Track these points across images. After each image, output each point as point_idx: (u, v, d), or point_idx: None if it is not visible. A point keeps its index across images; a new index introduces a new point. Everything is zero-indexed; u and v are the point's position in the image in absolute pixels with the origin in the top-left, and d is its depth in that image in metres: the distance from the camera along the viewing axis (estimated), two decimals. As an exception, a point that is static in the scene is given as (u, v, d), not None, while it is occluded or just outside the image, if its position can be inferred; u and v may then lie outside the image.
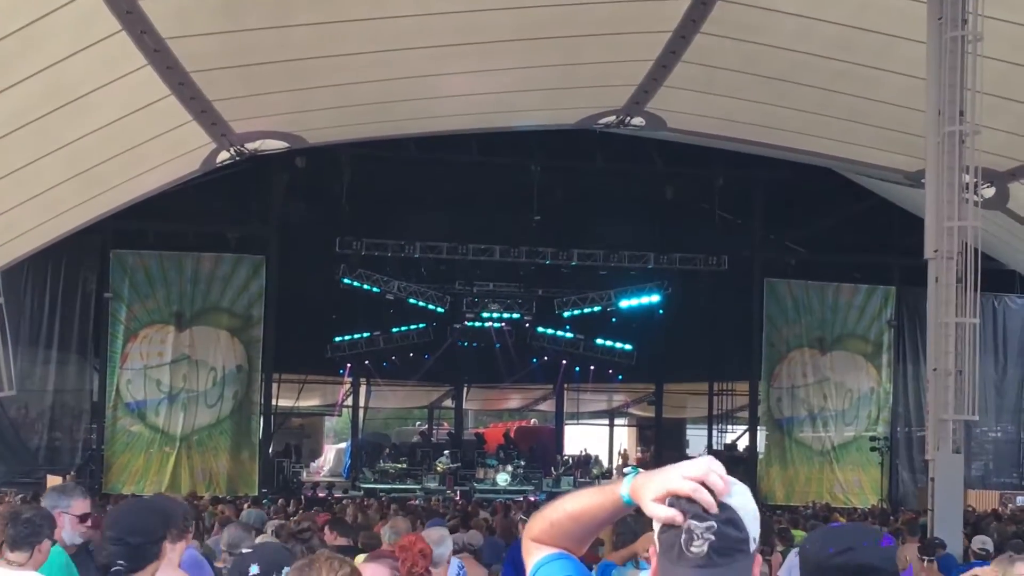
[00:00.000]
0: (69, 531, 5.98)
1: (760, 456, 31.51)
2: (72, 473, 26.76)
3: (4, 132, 14.04)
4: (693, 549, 2.32)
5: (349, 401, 38.29)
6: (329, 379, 37.24)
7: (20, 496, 20.01)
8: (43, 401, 28.36)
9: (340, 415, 40.91)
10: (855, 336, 31.90)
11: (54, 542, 5.56)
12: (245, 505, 17.90)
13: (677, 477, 2.39)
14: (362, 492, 29.50)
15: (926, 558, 11.61)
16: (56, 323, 28.31)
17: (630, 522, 7.50)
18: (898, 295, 31.48)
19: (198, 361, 28.85)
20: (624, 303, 34.67)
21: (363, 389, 37.55)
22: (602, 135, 24.87)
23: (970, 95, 13.86)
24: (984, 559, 10.79)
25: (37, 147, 15.67)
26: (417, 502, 24.29)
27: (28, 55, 13.23)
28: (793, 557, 9.75)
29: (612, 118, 22.19)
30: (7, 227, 17.41)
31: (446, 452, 33.70)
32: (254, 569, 4.30)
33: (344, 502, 23.00)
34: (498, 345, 35.44)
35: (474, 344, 35.63)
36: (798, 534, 12.54)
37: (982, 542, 11.91)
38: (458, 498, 26.60)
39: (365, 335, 34.56)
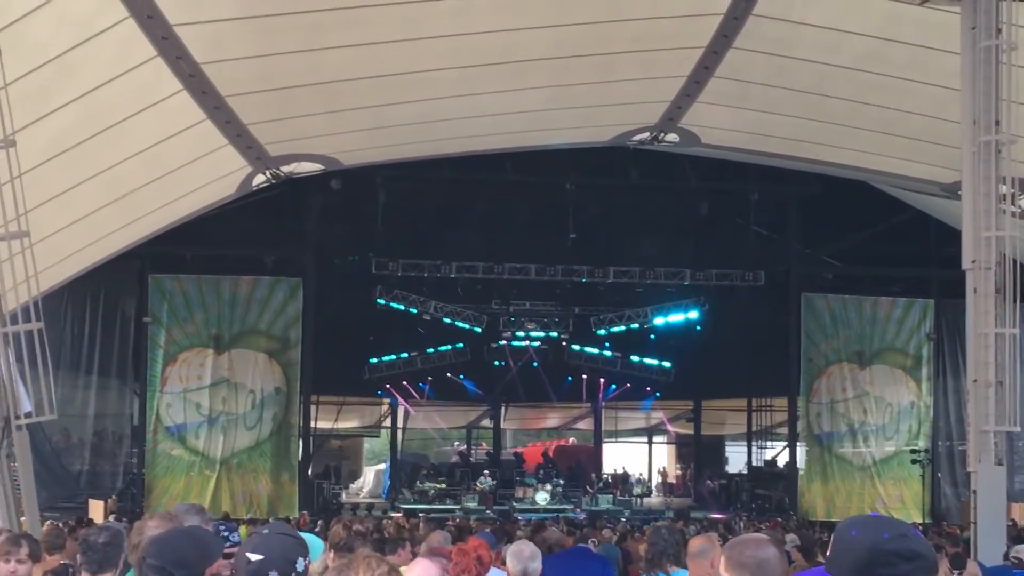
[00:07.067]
0: None
1: (800, 472, 31.32)
2: (114, 497, 26.93)
3: (45, 158, 14.19)
4: None
5: (387, 422, 38.29)
6: (367, 400, 37.27)
7: (64, 521, 20.17)
8: (84, 426, 28.55)
9: (379, 436, 40.87)
10: (894, 350, 31.68)
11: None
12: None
13: None
14: (402, 513, 29.47)
15: (956, 571, 11.50)
16: (96, 348, 28.50)
17: (664, 533, 7.49)
18: (937, 308, 31.25)
19: (237, 384, 29.00)
20: (660, 320, 34.55)
21: (401, 410, 37.54)
22: (636, 152, 24.90)
23: (1005, 105, 13.73)
24: (1021, 568, 10.67)
25: (76, 172, 15.85)
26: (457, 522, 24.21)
27: (67, 81, 13.40)
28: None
29: (646, 135, 22.21)
30: (48, 252, 17.58)
31: (485, 472, 33.64)
32: (255, 556, 3.93)
33: (384, 522, 23.00)
34: (535, 364, 35.38)
35: (511, 363, 35.57)
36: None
37: (1020, 551, 11.76)
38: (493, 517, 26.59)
39: (402, 356, 34.60)
